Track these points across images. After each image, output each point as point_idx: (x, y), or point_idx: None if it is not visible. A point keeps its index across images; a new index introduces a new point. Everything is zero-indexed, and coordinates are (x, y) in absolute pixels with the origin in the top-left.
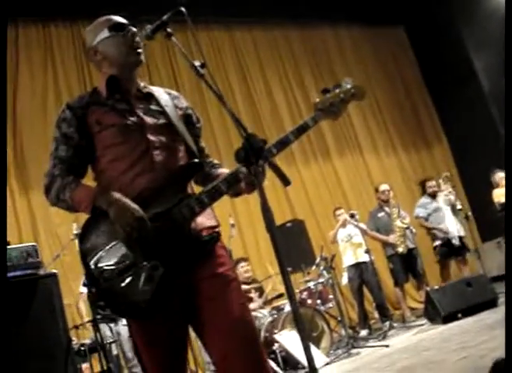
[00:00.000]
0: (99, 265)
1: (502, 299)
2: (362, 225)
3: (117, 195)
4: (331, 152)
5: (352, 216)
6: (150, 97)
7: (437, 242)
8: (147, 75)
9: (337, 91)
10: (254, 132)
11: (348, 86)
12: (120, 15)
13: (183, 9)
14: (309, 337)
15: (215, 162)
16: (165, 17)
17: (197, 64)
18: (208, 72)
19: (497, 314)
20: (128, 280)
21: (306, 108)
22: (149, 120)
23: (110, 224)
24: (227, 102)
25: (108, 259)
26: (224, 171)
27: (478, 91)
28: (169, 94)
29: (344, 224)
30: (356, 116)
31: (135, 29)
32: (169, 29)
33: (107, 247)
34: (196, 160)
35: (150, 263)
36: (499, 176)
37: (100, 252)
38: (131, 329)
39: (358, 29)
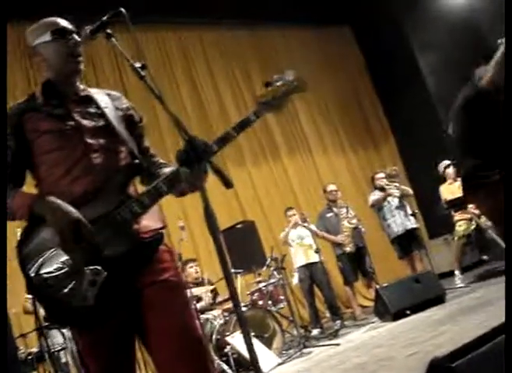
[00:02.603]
0: (40, 272)
1: (449, 295)
2: (313, 227)
3: (51, 198)
4: (281, 153)
5: (303, 220)
6: (89, 100)
7: (392, 236)
8: (94, 77)
9: (278, 84)
10: (203, 132)
11: (290, 78)
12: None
13: (122, 10)
14: (260, 338)
15: (161, 161)
16: (104, 18)
17: (138, 65)
18: (150, 73)
19: (445, 310)
20: (69, 286)
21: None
22: (86, 123)
23: (49, 230)
24: (167, 104)
25: (49, 266)
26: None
27: (424, 90)
28: (109, 95)
29: (295, 226)
30: (305, 117)
31: (78, 38)
32: (109, 30)
33: (47, 254)
34: (136, 161)
35: (91, 268)
36: (443, 165)
37: (40, 260)
38: (75, 336)
39: (305, 29)
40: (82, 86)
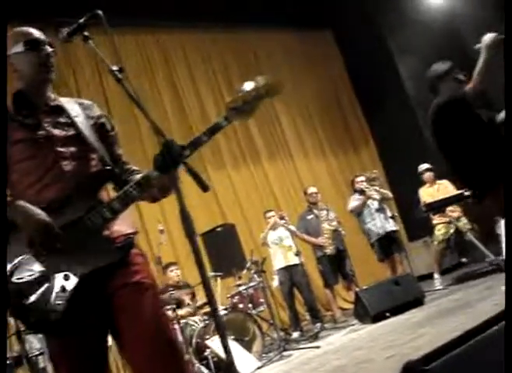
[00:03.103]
0: (12, 279)
1: (428, 298)
2: (292, 227)
3: (21, 203)
4: (261, 156)
5: (281, 218)
6: (59, 110)
7: (373, 240)
8: (74, 82)
9: (249, 89)
10: (184, 137)
11: (261, 83)
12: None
13: (99, 12)
14: (241, 342)
15: (134, 168)
16: (81, 20)
17: (115, 68)
18: (129, 77)
19: (424, 312)
20: (39, 292)
21: None
22: (57, 132)
23: (20, 236)
24: (144, 107)
25: (20, 272)
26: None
27: (404, 94)
28: (80, 104)
29: (274, 227)
30: (286, 120)
31: (50, 50)
32: (86, 33)
33: (18, 260)
34: (107, 167)
35: (62, 274)
36: (421, 168)
37: (10, 266)
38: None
39: (286, 33)
40: (53, 96)
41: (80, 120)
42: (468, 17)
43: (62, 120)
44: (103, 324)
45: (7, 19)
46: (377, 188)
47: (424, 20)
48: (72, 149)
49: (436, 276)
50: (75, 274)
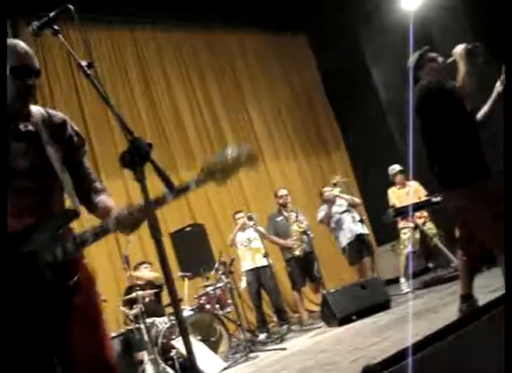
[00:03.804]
0: None
1: (394, 302)
2: (261, 228)
3: None
4: None
5: (250, 218)
6: (29, 136)
7: (343, 244)
8: (45, 80)
9: (228, 156)
10: (155, 135)
11: (241, 153)
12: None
13: (70, 6)
14: (207, 342)
15: (98, 187)
16: (52, 14)
17: (84, 63)
18: (96, 72)
19: (390, 316)
20: None
21: (209, 113)
22: (23, 163)
23: None
24: (113, 105)
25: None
26: (103, 198)
27: (376, 100)
28: (50, 123)
29: (243, 228)
30: (258, 122)
31: (34, 80)
32: (56, 27)
33: None
34: (70, 209)
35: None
36: (392, 170)
37: None
38: None
39: (261, 36)
40: (22, 123)
41: (49, 147)
42: (439, 26)
43: (32, 148)
44: (49, 343)
45: (7, 19)
46: (341, 194)
47: (398, 28)
48: (36, 182)
49: (402, 280)
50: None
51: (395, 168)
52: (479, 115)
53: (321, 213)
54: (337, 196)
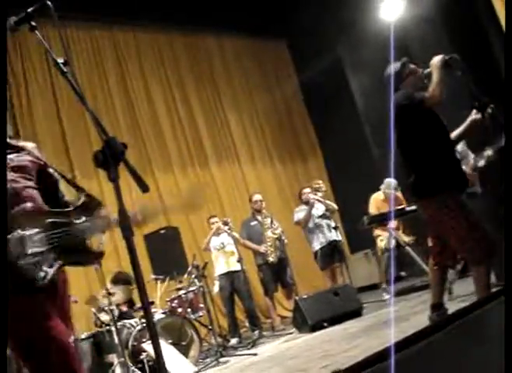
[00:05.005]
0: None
1: (366, 309)
2: (235, 234)
3: None
4: (209, 161)
5: (225, 223)
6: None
7: (316, 248)
8: (22, 78)
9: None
10: (132, 136)
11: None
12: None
13: (48, 2)
14: (178, 346)
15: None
16: (30, 9)
17: (60, 60)
18: (72, 70)
19: (361, 323)
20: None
21: (186, 115)
22: None
23: None
24: (88, 104)
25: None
26: None
27: (353, 109)
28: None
29: (217, 232)
30: (235, 127)
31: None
32: (33, 23)
33: None
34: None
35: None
36: (387, 184)
37: None
38: None
39: (241, 41)
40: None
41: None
42: (417, 37)
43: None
44: None
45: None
46: (322, 199)
47: (378, 38)
48: None
49: (384, 286)
50: None
51: (393, 183)
52: (452, 135)
53: (300, 213)
54: (318, 200)
